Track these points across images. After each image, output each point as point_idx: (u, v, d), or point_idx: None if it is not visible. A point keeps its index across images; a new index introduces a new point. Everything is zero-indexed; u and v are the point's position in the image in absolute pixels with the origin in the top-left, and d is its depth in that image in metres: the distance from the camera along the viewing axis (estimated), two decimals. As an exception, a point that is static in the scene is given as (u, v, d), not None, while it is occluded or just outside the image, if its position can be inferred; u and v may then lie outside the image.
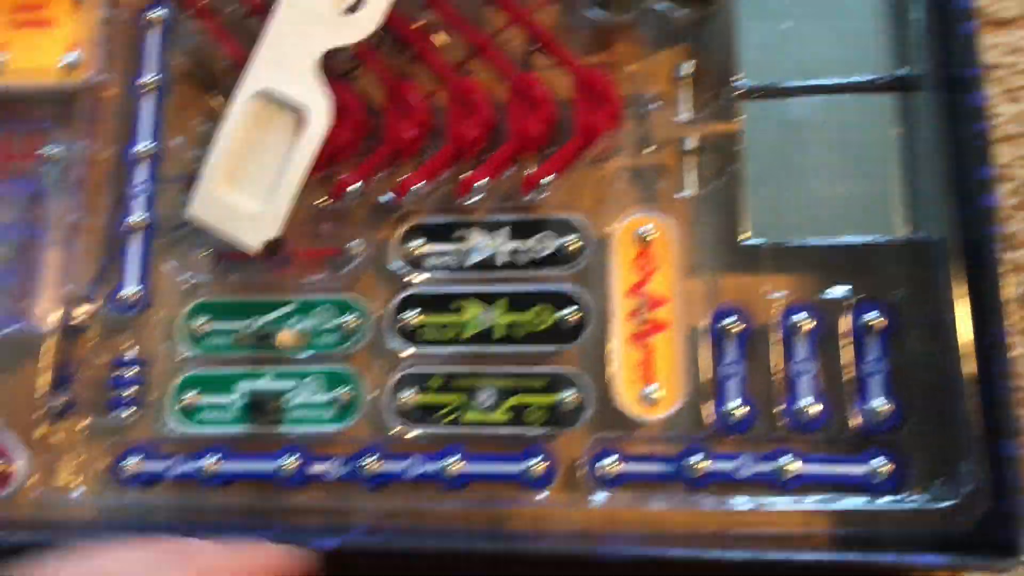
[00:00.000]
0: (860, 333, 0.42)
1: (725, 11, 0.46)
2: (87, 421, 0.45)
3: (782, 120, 0.45)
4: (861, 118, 0.44)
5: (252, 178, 0.44)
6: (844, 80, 0.45)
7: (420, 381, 0.44)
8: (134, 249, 0.47)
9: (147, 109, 0.48)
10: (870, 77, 0.44)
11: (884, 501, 0.41)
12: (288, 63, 0.44)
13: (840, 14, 0.45)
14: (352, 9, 0.44)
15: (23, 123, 0.47)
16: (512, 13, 0.47)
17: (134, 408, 0.45)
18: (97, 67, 0.47)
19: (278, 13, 0.44)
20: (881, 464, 0.41)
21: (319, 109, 0.44)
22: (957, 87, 0.42)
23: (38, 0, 0.48)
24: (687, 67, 0.46)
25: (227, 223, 0.44)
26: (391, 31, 0.47)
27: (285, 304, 0.46)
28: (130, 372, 0.45)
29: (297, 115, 0.44)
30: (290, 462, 0.43)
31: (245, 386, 0.45)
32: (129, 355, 0.46)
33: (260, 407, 0.44)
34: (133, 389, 0.45)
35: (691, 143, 0.45)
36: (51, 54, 0.47)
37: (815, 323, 0.43)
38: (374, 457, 0.43)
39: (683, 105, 0.47)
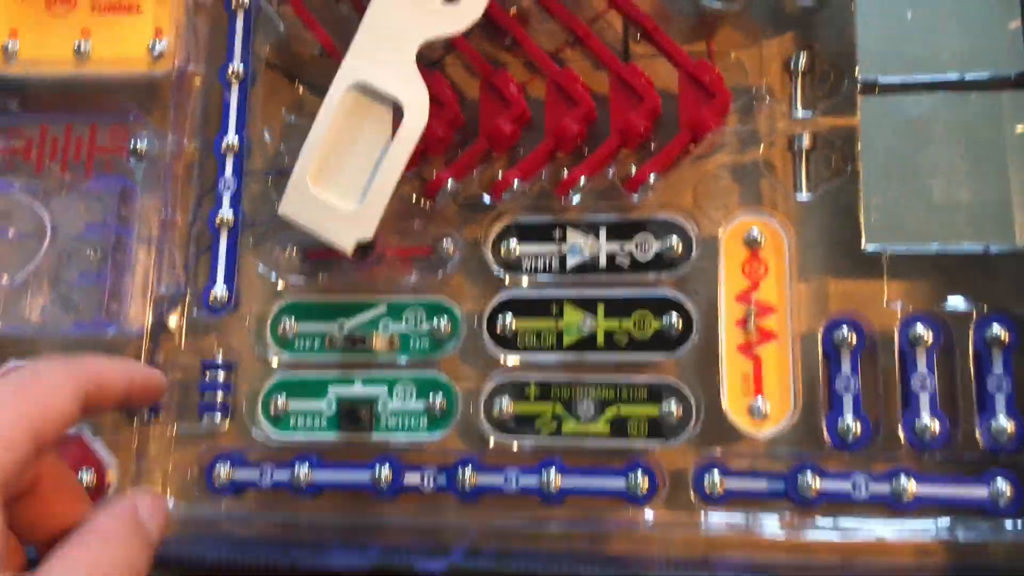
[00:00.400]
0: (983, 347, 0.40)
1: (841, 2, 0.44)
2: (176, 427, 0.44)
3: (902, 117, 0.42)
4: (986, 117, 0.41)
5: (345, 175, 0.43)
6: (969, 76, 0.42)
7: (517, 389, 0.43)
8: (221, 247, 0.45)
9: (233, 100, 0.47)
10: (997, 73, 0.42)
11: (1007, 525, 0.39)
12: (386, 54, 0.42)
13: (965, 4, 0.42)
14: (452, -2, 0.42)
15: (109, 114, 0.46)
16: (612, -2, 0.45)
17: (223, 414, 0.44)
18: (184, 55, 0.46)
19: (376, 1, 0.42)
20: (1004, 486, 0.39)
21: (417, 104, 0.42)
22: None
23: (123, -16, 0.46)
24: (801, 59, 0.44)
25: (320, 222, 0.42)
26: (486, 16, 0.45)
27: (375, 306, 0.45)
28: (218, 376, 0.44)
29: (393, 109, 0.42)
30: (384, 473, 0.42)
31: (336, 392, 0.44)
32: (217, 358, 0.45)
33: (351, 414, 0.43)
34: (222, 394, 0.44)
35: (805, 141, 0.43)
36: (137, 41, 0.46)
37: (935, 335, 0.40)
38: (469, 469, 0.42)
39: (795, 100, 0.44)
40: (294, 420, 0.44)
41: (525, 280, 0.44)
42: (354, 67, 0.43)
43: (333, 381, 0.44)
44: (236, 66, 0.47)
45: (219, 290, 0.45)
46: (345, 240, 0.42)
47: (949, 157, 0.41)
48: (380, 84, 0.42)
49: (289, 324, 0.45)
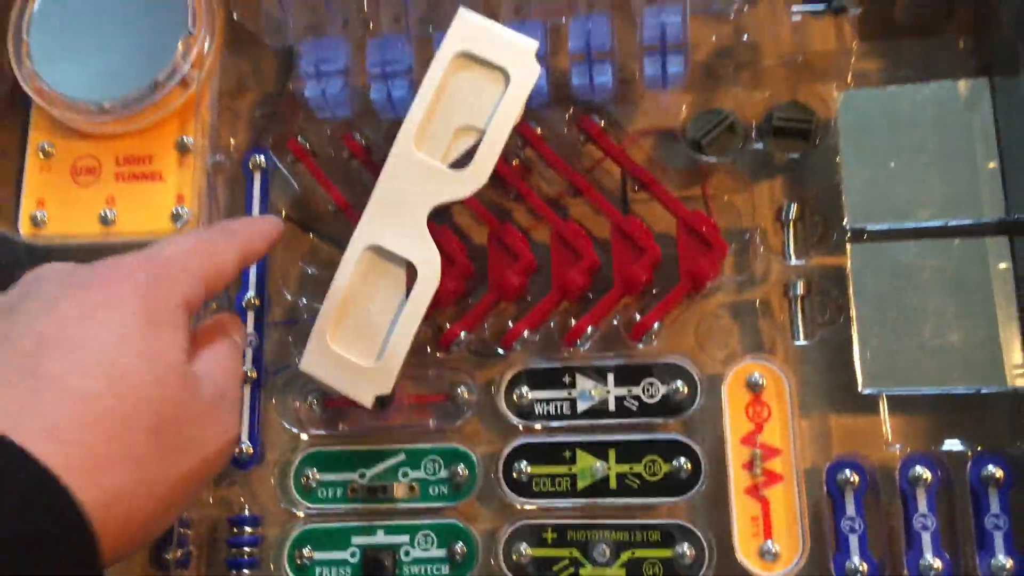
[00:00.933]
0: (979, 486, 0.42)
1: (827, 149, 0.46)
2: (207, 582, 0.46)
3: (891, 263, 0.44)
4: (971, 261, 0.44)
5: (363, 332, 0.45)
6: (953, 222, 0.44)
7: (534, 534, 0.44)
8: (245, 402, 0.47)
9: (252, 256, 0.49)
10: (979, 220, 0.44)
11: (1012, 662, 0.40)
12: (398, 218, 0.44)
13: (946, 154, 0.45)
14: (460, 164, 0.44)
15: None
16: (611, 151, 0.48)
17: (251, 567, 0.46)
18: (205, 219, 0.48)
19: (387, 169, 0.44)
20: (1007, 622, 0.40)
21: (429, 266, 0.44)
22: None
23: (146, 152, 0.48)
24: (791, 210, 0.46)
25: (340, 378, 0.44)
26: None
27: (394, 454, 0.46)
28: (245, 530, 0.46)
29: (406, 269, 0.45)
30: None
31: (359, 542, 0.46)
32: (244, 512, 0.46)
33: (375, 564, 0.45)
34: (248, 548, 0.46)
35: (800, 287, 0.45)
36: (160, 208, 0.48)
37: (933, 475, 0.42)
38: (492, 616, 0.43)
39: (788, 247, 0.46)
40: (319, 571, 0.45)
41: (538, 426, 0.46)
42: (368, 231, 0.45)
43: (356, 531, 0.46)
44: (254, 224, 0.49)
45: (244, 445, 0.46)
46: (365, 396, 0.44)
47: (938, 301, 0.44)
48: (393, 247, 0.44)
49: (312, 474, 0.46)
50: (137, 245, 0.47)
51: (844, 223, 0.45)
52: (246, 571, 0.45)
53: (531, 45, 0.44)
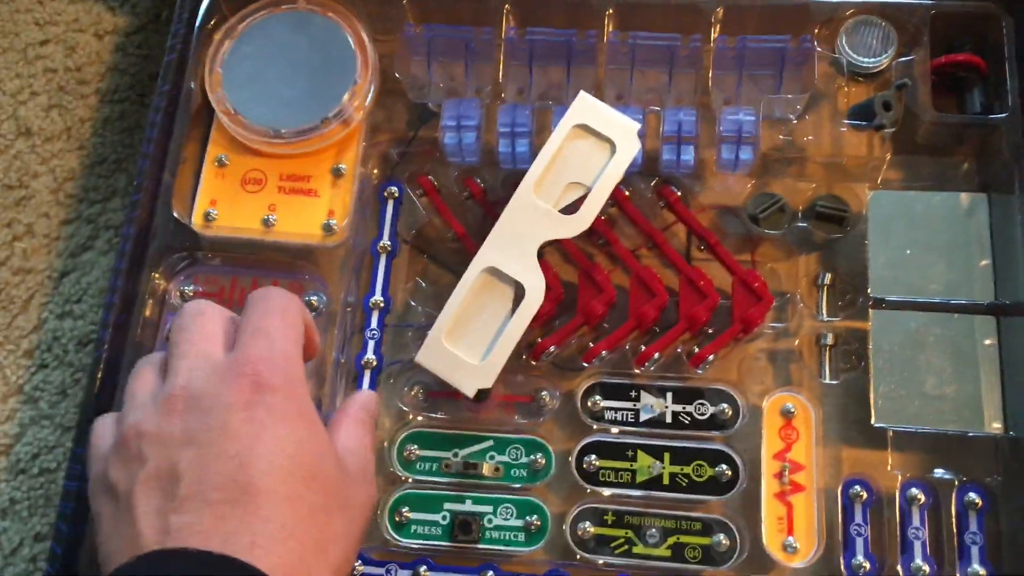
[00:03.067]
0: (962, 509, 0.52)
1: (857, 234, 0.58)
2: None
3: (902, 328, 0.55)
4: (964, 332, 0.55)
5: (473, 336, 0.54)
6: (952, 301, 0.55)
7: (596, 515, 0.54)
8: (364, 383, 0.57)
9: (380, 267, 0.59)
10: (972, 300, 0.55)
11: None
12: (513, 248, 0.55)
13: (950, 248, 0.57)
14: (569, 209, 0.55)
15: (288, 272, 0.58)
16: (684, 216, 0.59)
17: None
18: (349, 233, 0.58)
19: (510, 206, 0.55)
20: (978, 623, 0.50)
21: (536, 288, 0.54)
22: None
23: (306, 173, 0.59)
24: (826, 278, 0.57)
25: (450, 371, 0.54)
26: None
27: (484, 439, 0.56)
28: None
29: (515, 289, 0.55)
30: (489, 576, 0.52)
31: (449, 507, 0.54)
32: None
33: (463, 526, 0.54)
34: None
35: (829, 339, 0.56)
36: (314, 220, 0.58)
37: (926, 497, 0.52)
38: (558, 577, 0.52)
39: (820, 307, 0.57)
40: (414, 528, 0.54)
41: (608, 428, 0.56)
42: (488, 255, 0.55)
43: (448, 498, 0.55)
44: (385, 242, 0.59)
45: (363, 417, 0.56)
46: (469, 387, 0.53)
47: (938, 361, 0.55)
48: (508, 270, 0.55)
49: (412, 449, 0.56)
50: (292, 247, 0.58)
51: (868, 292, 0.56)
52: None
53: (635, 125, 0.56)
